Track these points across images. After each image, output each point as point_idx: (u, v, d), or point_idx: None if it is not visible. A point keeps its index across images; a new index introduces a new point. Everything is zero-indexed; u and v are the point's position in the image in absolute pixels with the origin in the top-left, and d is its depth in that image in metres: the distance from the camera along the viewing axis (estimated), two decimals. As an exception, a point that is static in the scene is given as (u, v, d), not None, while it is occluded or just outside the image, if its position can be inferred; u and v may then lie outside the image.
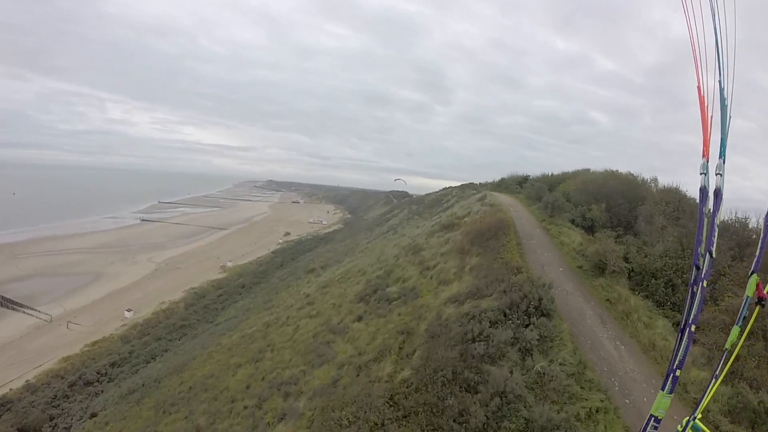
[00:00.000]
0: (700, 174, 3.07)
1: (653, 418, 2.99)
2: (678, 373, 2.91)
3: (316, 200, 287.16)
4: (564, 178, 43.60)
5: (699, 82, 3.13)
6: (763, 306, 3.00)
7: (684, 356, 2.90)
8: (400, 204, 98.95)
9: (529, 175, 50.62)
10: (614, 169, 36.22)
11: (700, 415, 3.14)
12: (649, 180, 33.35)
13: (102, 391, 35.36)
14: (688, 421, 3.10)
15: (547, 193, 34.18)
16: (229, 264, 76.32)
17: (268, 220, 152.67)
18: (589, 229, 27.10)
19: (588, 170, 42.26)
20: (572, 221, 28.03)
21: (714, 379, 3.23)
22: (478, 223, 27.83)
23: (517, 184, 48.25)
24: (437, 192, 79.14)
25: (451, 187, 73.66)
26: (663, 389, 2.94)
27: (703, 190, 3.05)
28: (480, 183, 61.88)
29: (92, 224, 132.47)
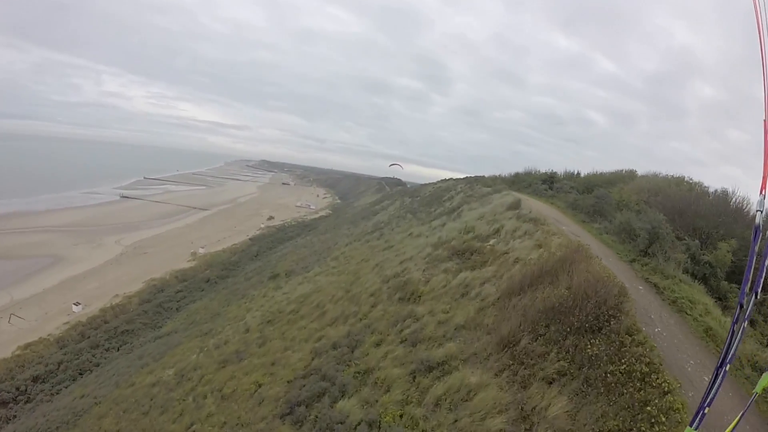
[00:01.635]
0: (757, 211, 2.93)
1: None
2: (707, 410, 2.90)
3: (307, 183, 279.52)
4: (602, 180, 36.90)
5: (766, 92, 2.87)
6: None
7: (715, 395, 2.86)
8: (391, 194, 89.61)
9: (555, 172, 43.31)
10: (672, 174, 30.09)
11: None
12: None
13: (15, 417, 28.83)
14: None
15: (614, 208, 25.54)
16: (201, 251, 69.69)
17: (254, 202, 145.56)
18: (703, 280, 16.67)
19: (633, 172, 36.11)
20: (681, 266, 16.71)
21: (739, 418, 3.11)
22: (538, 271, 14.29)
23: (543, 183, 39.72)
24: (435, 184, 69.68)
25: (452, 179, 65.84)
26: (691, 425, 2.93)
27: (757, 230, 2.92)
28: (490, 177, 52.97)
29: (69, 200, 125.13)
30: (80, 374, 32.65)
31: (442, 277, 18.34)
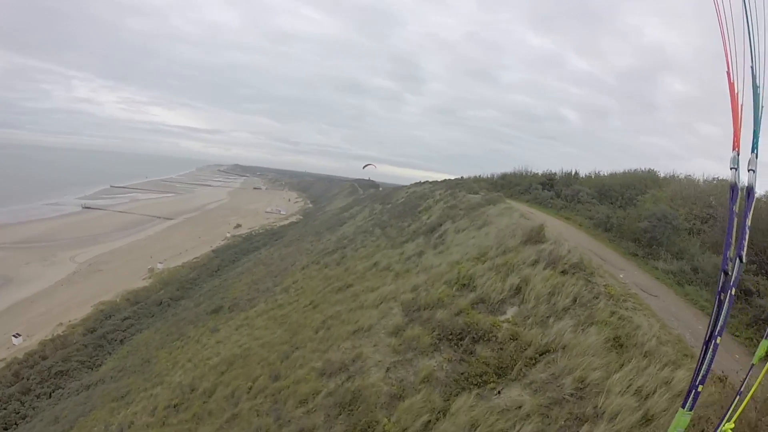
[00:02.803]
0: (731, 169, 2.82)
1: None
2: (700, 389, 2.74)
3: (280, 187, 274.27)
4: (618, 184, 30.06)
5: (729, 68, 2.85)
6: None
7: (707, 371, 2.70)
8: (362, 198, 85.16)
9: (554, 173, 37.41)
10: (713, 177, 25.10)
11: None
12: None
13: None
14: None
15: (675, 232, 18.52)
16: (160, 266, 65.49)
17: (223, 209, 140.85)
18: None
19: (653, 173, 30.71)
20: None
21: (738, 396, 3.04)
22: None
23: (541, 186, 33.64)
24: (408, 188, 61.32)
25: (428, 182, 57.66)
26: (683, 407, 2.79)
27: (734, 188, 2.82)
28: (473, 179, 47.19)
29: (28, 213, 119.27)
30: (5, 430, 28.61)
31: (423, 399, 9.99)
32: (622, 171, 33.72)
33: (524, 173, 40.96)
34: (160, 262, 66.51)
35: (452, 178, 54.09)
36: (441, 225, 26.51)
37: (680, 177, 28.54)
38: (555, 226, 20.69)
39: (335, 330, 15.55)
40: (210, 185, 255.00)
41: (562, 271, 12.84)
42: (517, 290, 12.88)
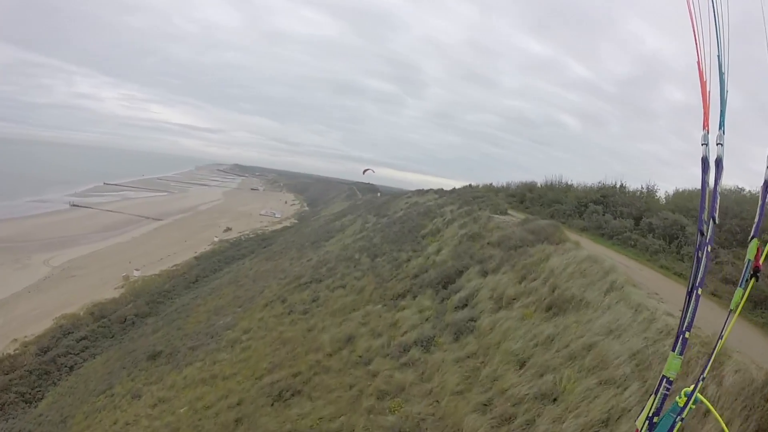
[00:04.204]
0: (702, 145, 3.21)
1: (665, 379, 3.00)
2: (687, 335, 3.01)
3: (277, 188, 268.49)
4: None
5: (698, 54, 3.27)
6: (757, 278, 3.07)
7: (692, 319, 2.98)
8: (357, 205, 78.91)
9: (604, 185, 29.90)
10: None
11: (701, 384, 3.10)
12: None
13: None
14: (693, 390, 2.99)
15: None
16: (136, 274, 60.38)
17: (215, 210, 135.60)
18: None
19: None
20: None
21: (720, 339, 3.26)
22: None
23: (601, 209, 25.55)
24: (408, 197, 53.30)
25: (432, 191, 50.54)
26: (674, 350, 3.02)
27: (705, 161, 3.17)
28: (485, 188, 41.20)
29: (11, 210, 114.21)
30: None
31: None
32: (732, 186, 24.48)
33: (561, 185, 34.01)
34: (136, 269, 61.41)
35: (460, 186, 47.05)
36: (462, 274, 17.70)
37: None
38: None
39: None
40: (206, 185, 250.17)
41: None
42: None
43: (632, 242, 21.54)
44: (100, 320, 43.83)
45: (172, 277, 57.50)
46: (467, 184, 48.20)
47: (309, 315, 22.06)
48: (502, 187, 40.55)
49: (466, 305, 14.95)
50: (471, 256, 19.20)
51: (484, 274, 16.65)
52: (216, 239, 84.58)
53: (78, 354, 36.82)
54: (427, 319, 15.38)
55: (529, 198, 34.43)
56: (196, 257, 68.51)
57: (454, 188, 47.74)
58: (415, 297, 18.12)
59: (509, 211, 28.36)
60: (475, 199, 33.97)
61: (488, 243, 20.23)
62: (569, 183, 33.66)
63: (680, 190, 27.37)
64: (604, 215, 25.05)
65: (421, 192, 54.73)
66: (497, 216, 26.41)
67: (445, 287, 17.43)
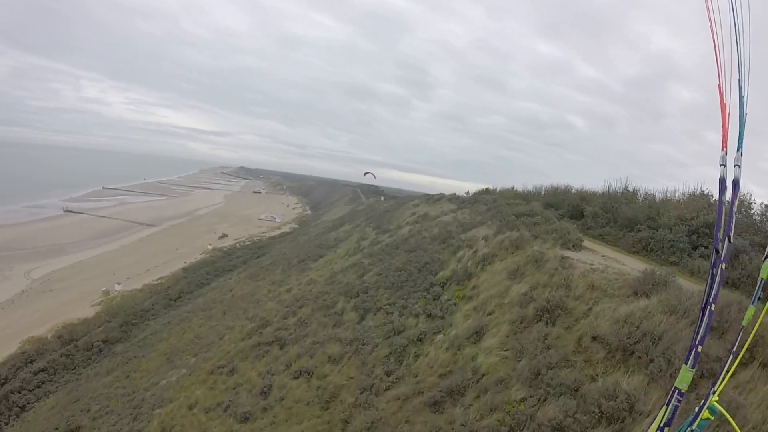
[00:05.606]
0: (720, 165, 3.23)
1: (677, 391, 3.05)
2: (700, 348, 3.04)
3: (281, 191, 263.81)
4: None
5: (720, 78, 3.27)
6: None
7: (705, 333, 3.04)
8: (357, 211, 72.21)
9: (635, 191, 24.82)
10: None
11: (716, 397, 3.15)
12: None
13: None
14: (703, 403, 3.08)
15: None
16: (117, 287, 55.70)
17: (214, 215, 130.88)
18: None
19: None
20: None
21: (732, 356, 3.31)
22: None
23: (689, 243, 18.76)
24: (416, 205, 43.15)
25: (445, 198, 40.72)
26: (686, 363, 3.04)
27: (722, 181, 3.20)
28: (513, 192, 34.62)
29: (4, 216, 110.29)
30: None
31: None
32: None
33: (628, 193, 25.43)
34: (118, 283, 56.71)
35: (476, 190, 41.12)
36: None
37: None
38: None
39: None
40: (209, 188, 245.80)
41: None
42: None
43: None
44: (68, 345, 39.04)
45: (154, 292, 52.68)
46: (483, 187, 40.85)
47: (249, 422, 15.89)
48: (529, 192, 33.16)
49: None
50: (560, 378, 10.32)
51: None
52: (210, 247, 79.92)
53: (32, 390, 31.98)
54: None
55: (590, 213, 24.46)
56: (184, 268, 63.69)
57: (469, 193, 40.97)
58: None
59: (584, 245, 18.99)
60: (520, 217, 23.71)
61: (593, 338, 11.11)
62: (634, 190, 25.78)
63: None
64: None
65: (431, 199, 44.41)
66: (572, 254, 16.73)
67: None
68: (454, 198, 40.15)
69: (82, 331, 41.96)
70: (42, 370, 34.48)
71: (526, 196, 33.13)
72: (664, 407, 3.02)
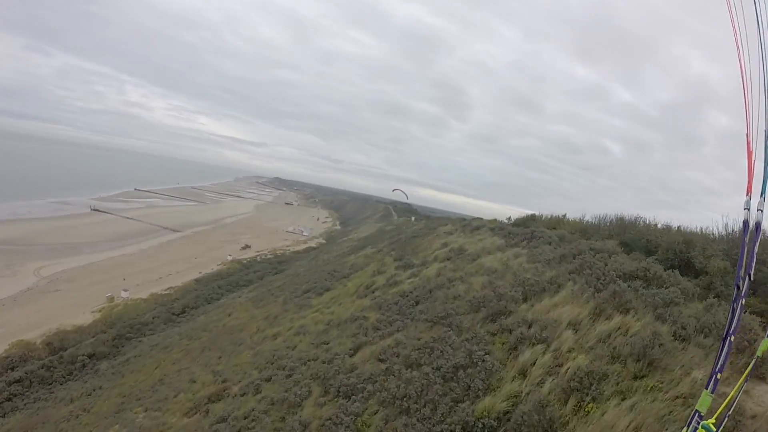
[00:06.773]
0: (744, 209, 3.49)
1: (697, 413, 3.22)
2: (719, 376, 3.24)
3: (312, 203, 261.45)
4: None
5: (748, 128, 3.51)
6: None
7: (725, 361, 3.25)
8: (382, 235, 63.02)
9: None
10: None
11: (714, 420, 3.35)
12: None
13: None
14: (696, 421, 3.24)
15: None
16: (123, 295, 51.95)
17: (241, 224, 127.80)
18: None
19: None
20: None
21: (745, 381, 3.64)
22: None
23: None
24: (448, 233, 35.73)
25: (488, 228, 31.70)
26: (707, 388, 3.23)
27: (746, 223, 3.48)
28: (556, 219, 28.33)
29: (29, 209, 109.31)
30: None
31: None
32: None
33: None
34: (125, 290, 52.94)
35: (519, 217, 34.08)
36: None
37: None
38: None
39: None
40: (241, 196, 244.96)
41: None
42: None
43: None
44: (54, 354, 35.20)
45: (159, 303, 48.62)
46: (526, 213, 33.65)
47: None
48: (588, 223, 25.78)
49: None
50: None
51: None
52: (229, 258, 76.08)
53: (2, 403, 28.24)
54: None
55: (716, 270, 14.90)
56: (197, 279, 59.73)
57: (511, 219, 34.31)
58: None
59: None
60: (627, 280, 14.30)
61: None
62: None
63: None
64: None
65: (467, 226, 35.60)
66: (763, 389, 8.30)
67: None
68: (497, 227, 31.40)
69: (73, 340, 38.02)
70: (17, 381, 30.69)
71: (581, 227, 26.20)
72: (685, 428, 3.21)
